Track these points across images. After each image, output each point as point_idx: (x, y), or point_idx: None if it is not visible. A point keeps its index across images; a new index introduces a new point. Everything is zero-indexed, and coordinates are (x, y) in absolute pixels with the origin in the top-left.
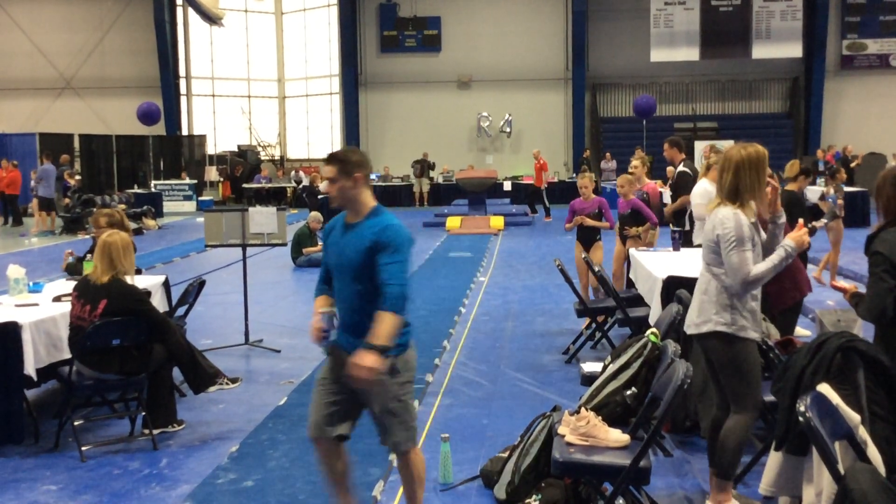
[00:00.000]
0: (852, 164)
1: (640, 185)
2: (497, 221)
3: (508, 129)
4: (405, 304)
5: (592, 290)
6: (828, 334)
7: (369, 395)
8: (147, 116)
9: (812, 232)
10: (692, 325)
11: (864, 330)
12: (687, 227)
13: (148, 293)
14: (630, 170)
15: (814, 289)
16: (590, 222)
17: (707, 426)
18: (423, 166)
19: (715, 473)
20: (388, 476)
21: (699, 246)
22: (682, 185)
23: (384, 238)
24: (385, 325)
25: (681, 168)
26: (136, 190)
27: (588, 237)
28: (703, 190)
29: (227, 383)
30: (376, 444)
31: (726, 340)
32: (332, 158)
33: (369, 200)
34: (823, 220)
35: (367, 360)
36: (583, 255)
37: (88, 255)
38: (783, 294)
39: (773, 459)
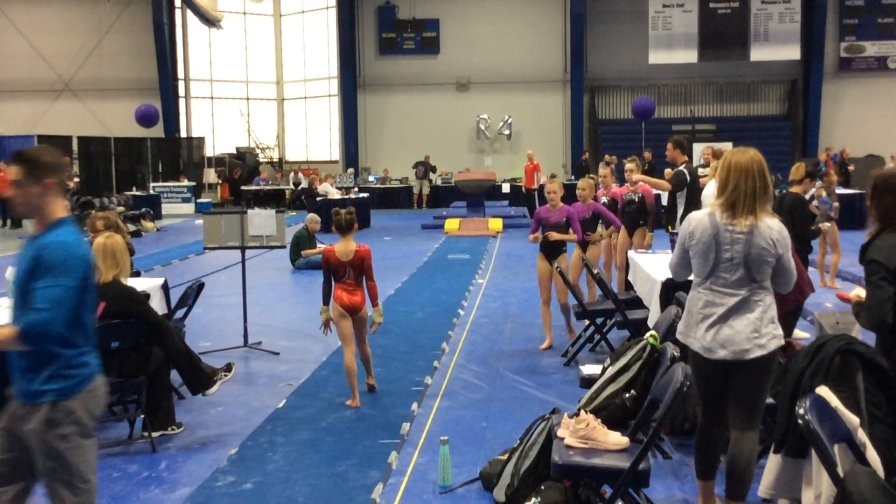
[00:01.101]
0: (850, 168)
1: (635, 188)
2: (496, 223)
3: (508, 132)
4: (43, 339)
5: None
6: (827, 337)
7: (34, 452)
8: (145, 119)
9: (816, 234)
10: (755, 348)
11: (862, 332)
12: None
13: (147, 296)
14: (625, 172)
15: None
16: (556, 236)
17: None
18: (426, 168)
19: (731, 496)
20: (388, 479)
21: None
22: (678, 183)
23: (44, 257)
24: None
25: (680, 168)
26: (135, 192)
27: (553, 248)
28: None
29: (224, 375)
30: (374, 446)
31: (777, 350)
32: (19, 158)
33: (56, 211)
34: (826, 224)
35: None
36: (581, 256)
37: None
38: (786, 297)
39: (773, 462)
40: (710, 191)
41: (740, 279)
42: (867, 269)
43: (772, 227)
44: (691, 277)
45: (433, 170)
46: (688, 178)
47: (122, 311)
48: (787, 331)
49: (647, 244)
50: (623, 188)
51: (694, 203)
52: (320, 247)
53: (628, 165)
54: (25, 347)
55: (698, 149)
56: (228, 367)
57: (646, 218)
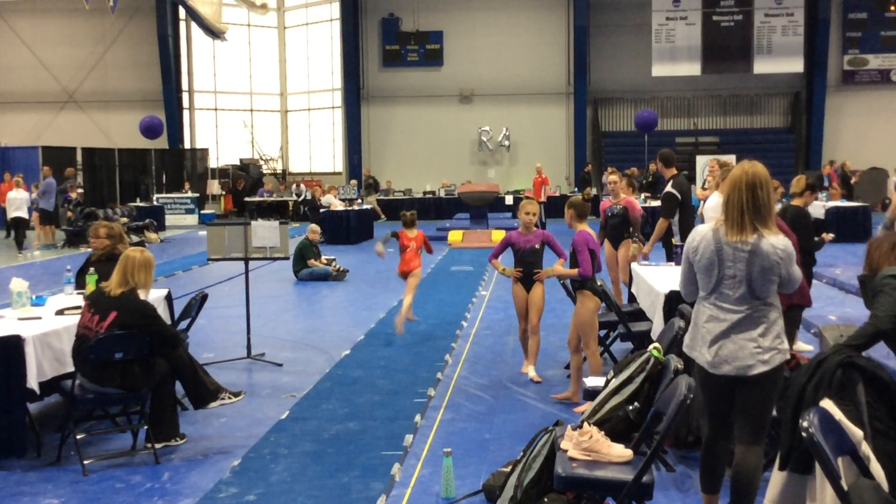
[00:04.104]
0: (852, 180)
1: (618, 200)
2: (499, 235)
3: (507, 143)
4: None
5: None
6: (828, 351)
7: None
8: (149, 130)
9: (819, 245)
10: (759, 364)
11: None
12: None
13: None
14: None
15: (815, 304)
16: (562, 271)
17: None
18: (373, 184)
19: None
20: (390, 491)
21: None
22: (671, 208)
23: None
24: None
25: (668, 189)
26: (139, 203)
27: (526, 277)
28: (718, 203)
29: (229, 398)
30: (377, 457)
31: (782, 365)
32: None
33: None
34: (831, 235)
35: None
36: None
37: (90, 269)
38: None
39: (777, 476)
40: (711, 203)
41: (742, 296)
42: (881, 283)
43: (776, 245)
44: None
45: (377, 186)
46: (678, 196)
47: (132, 324)
48: (788, 329)
49: (644, 252)
50: (606, 201)
51: (689, 214)
52: (325, 258)
53: (612, 178)
54: None
55: (702, 161)
56: (237, 394)
57: (630, 230)
